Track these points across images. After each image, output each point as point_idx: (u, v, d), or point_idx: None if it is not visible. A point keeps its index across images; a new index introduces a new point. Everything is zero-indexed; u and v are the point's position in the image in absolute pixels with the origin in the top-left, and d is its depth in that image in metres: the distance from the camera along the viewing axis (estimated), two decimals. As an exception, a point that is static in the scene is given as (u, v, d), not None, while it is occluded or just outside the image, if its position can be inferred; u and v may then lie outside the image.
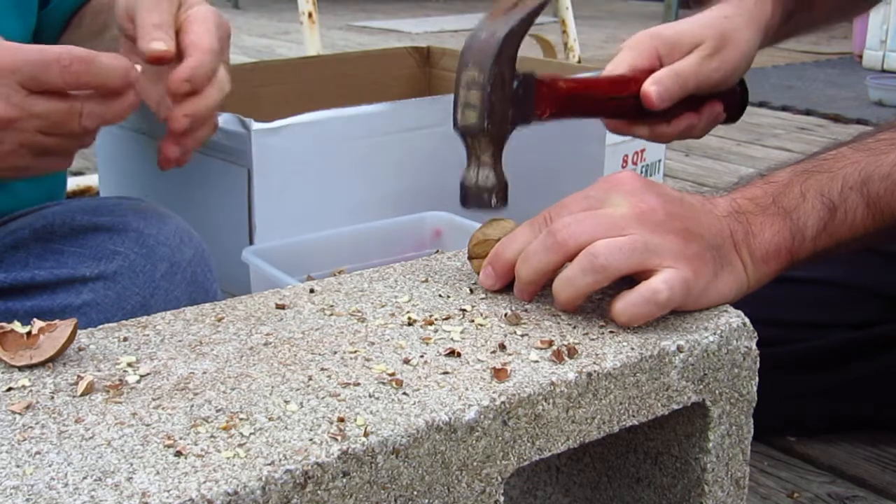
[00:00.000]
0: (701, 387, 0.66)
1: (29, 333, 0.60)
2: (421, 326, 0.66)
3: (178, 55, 0.84)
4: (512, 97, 0.77)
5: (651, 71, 0.94)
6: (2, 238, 0.91)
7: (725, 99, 1.00)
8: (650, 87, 0.92)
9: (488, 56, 0.75)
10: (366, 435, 0.52)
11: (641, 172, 1.61)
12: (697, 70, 0.95)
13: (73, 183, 1.89)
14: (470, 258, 0.75)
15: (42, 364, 0.59)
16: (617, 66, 0.96)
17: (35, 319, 0.61)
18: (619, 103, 0.93)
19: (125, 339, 0.64)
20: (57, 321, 0.60)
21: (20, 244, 0.90)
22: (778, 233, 0.72)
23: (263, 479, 0.49)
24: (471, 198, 0.77)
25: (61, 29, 1.02)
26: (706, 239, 0.69)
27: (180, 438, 0.52)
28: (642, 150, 1.66)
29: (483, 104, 0.75)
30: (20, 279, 0.87)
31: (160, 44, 0.82)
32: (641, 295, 0.65)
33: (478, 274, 0.73)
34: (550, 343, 0.63)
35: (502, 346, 0.63)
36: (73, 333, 0.60)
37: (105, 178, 1.43)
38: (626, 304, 0.65)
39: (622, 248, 0.65)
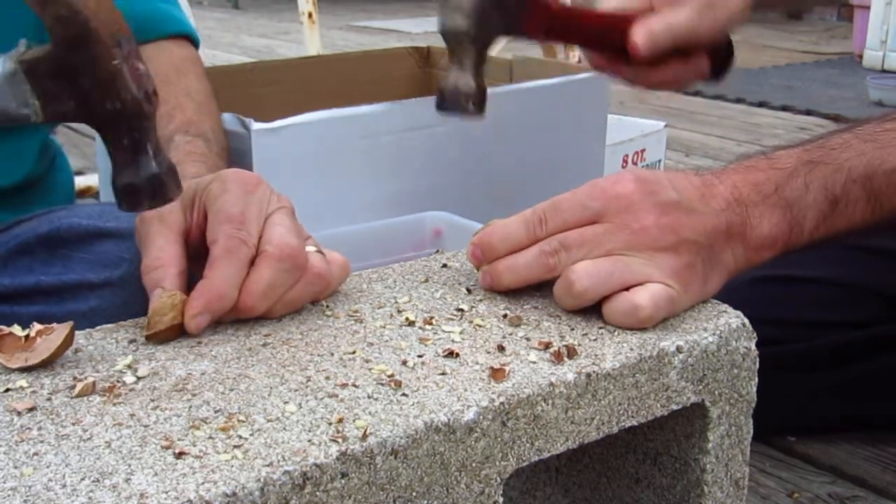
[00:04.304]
0: (700, 387, 0.66)
1: (27, 336, 0.60)
2: (420, 327, 0.66)
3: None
4: (501, 5, 0.76)
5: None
6: (6, 242, 0.91)
7: (712, 54, 0.98)
8: (638, 38, 0.89)
9: None
10: (364, 436, 0.52)
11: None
12: (689, 22, 0.91)
13: (72, 183, 1.89)
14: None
15: (36, 367, 0.59)
16: (606, 4, 0.93)
17: (34, 322, 0.61)
18: (608, 38, 0.90)
19: (123, 341, 0.64)
20: (54, 324, 0.60)
21: (25, 249, 0.89)
22: (776, 225, 0.72)
23: (262, 480, 0.49)
24: (448, 102, 0.75)
25: None
26: (699, 242, 0.69)
27: (179, 439, 0.52)
28: (642, 151, 1.66)
29: (471, 7, 0.74)
30: (25, 284, 0.87)
31: (201, 319, 0.64)
32: (623, 307, 0.66)
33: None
34: (549, 344, 0.63)
35: (501, 347, 0.63)
36: (69, 336, 0.60)
37: (105, 178, 1.43)
38: (609, 311, 0.66)
39: (600, 273, 0.66)
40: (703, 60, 0.97)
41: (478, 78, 0.75)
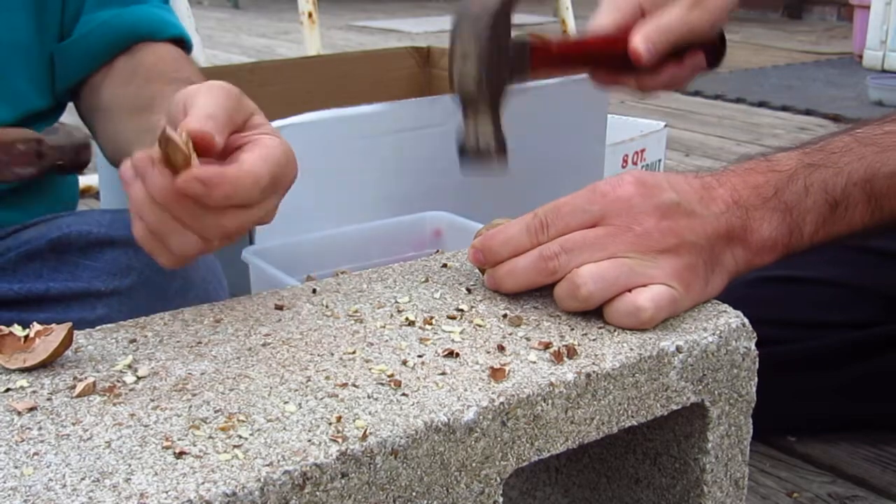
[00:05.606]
0: (700, 387, 0.66)
1: (26, 337, 0.60)
2: (420, 327, 0.66)
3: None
4: (507, 63, 0.77)
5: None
6: (17, 247, 0.90)
7: (707, 48, 1.01)
8: (639, 45, 0.92)
9: (483, 26, 0.74)
10: (364, 436, 0.52)
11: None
12: (682, 22, 0.94)
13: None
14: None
15: (34, 368, 0.59)
16: (600, 22, 0.96)
17: (34, 323, 0.61)
18: (607, 57, 0.93)
19: (123, 341, 0.64)
20: (54, 325, 0.60)
21: (35, 255, 0.89)
22: (776, 228, 0.73)
23: (262, 480, 0.49)
24: (470, 157, 0.77)
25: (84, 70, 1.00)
26: (700, 244, 0.69)
27: (179, 439, 0.52)
28: (642, 150, 1.66)
29: (479, 63, 0.75)
30: (35, 290, 0.87)
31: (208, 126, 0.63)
32: (625, 308, 0.66)
33: (481, 274, 0.73)
34: (549, 344, 0.63)
35: (501, 347, 0.63)
36: (68, 338, 0.60)
37: (105, 178, 1.43)
38: (611, 312, 0.66)
39: (605, 277, 0.66)
40: (699, 56, 0.99)
41: (496, 130, 0.77)
